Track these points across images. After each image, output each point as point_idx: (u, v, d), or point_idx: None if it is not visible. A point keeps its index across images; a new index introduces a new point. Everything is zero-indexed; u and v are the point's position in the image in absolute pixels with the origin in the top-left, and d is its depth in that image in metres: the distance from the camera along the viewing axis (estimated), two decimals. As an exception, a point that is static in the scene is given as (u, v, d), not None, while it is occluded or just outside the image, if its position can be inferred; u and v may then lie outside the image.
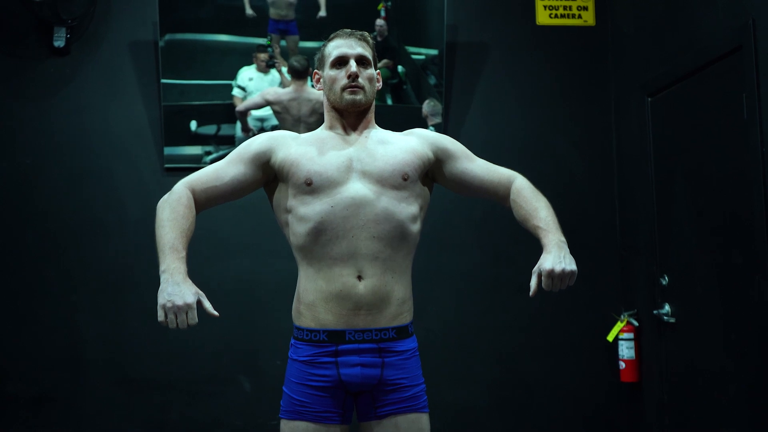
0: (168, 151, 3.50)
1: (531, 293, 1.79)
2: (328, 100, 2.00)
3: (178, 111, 3.51)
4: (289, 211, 1.92)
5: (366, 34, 2.00)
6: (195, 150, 3.54)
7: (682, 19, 3.11)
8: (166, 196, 1.88)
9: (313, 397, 1.86)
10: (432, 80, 3.64)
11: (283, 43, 3.56)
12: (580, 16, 3.80)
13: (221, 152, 3.47)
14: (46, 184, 3.48)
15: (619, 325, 3.50)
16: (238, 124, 3.55)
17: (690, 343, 3.12)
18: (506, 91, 3.75)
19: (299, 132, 2.04)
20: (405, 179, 1.91)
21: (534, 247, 1.92)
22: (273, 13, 3.53)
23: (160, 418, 3.44)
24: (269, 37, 3.54)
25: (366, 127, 2.00)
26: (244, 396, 3.48)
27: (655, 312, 3.29)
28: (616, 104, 3.75)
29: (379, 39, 3.54)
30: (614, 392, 3.62)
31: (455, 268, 3.62)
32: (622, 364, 3.47)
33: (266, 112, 3.55)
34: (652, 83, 3.36)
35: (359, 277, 1.86)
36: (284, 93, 3.53)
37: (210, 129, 3.57)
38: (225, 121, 3.55)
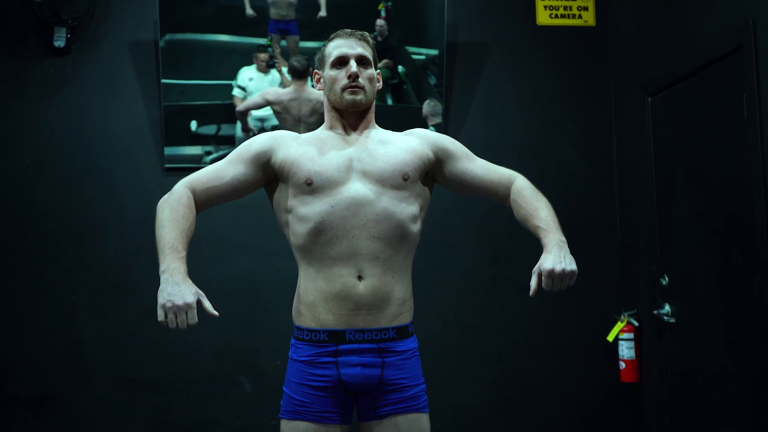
0: (168, 151, 3.49)
1: (531, 293, 1.79)
2: (329, 100, 2.00)
3: (178, 111, 3.51)
4: (289, 211, 1.92)
5: (366, 34, 2.00)
6: (195, 150, 3.54)
7: (683, 20, 3.11)
8: (166, 196, 1.88)
9: (314, 397, 1.86)
10: (432, 80, 3.64)
11: (283, 43, 3.56)
12: (580, 17, 3.80)
13: (221, 152, 3.47)
14: (46, 184, 3.48)
15: (619, 325, 3.50)
16: (239, 124, 3.55)
17: (690, 343, 3.12)
18: (506, 91, 3.75)
19: (299, 132, 2.04)
20: (405, 179, 1.91)
21: (534, 247, 1.92)
22: (273, 13, 3.53)
23: (160, 418, 3.44)
24: (269, 37, 3.54)
25: (366, 127, 2.00)
26: (244, 396, 3.48)
27: (655, 312, 3.29)
28: (617, 104, 3.75)
29: (379, 39, 3.54)
30: (614, 392, 3.62)
31: (455, 268, 3.62)
32: (623, 364, 3.47)
33: (266, 112, 3.55)
34: (652, 83, 3.36)
35: (359, 277, 1.86)
36: (284, 93, 3.53)
37: (210, 129, 3.57)
38: (225, 121, 3.55)
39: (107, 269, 3.47)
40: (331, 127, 2.01)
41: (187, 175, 1.94)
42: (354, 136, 1.98)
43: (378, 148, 1.94)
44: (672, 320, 3.20)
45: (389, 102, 3.65)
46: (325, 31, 2.12)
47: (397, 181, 1.90)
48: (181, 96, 3.51)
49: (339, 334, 1.86)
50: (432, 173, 2.02)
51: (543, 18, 3.79)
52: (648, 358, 3.43)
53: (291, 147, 1.94)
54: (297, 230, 1.90)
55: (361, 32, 1.99)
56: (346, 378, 1.86)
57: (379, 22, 3.58)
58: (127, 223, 3.48)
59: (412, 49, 3.68)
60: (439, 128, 3.55)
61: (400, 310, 1.91)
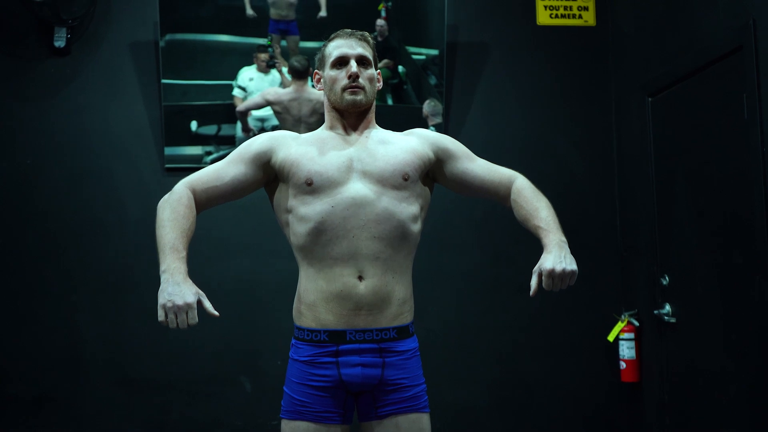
0: (168, 151, 3.49)
1: (531, 293, 1.79)
2: (329, 100, 2.00)
3: (178, 111, 3.51)
4: (289, 211, 1.92)
5: (366, 34, 2.00)
6: (195, 150, 3.54)
7: (683, 20, 3.11)
8: (166, 196, 1.88)
9: (314, 397, 1.86)
10: (432, 80, 3.64)
11: (283, 43, 3.56)
12: (580, 17, 3.80)
13: (222, 152, 3.47)
14: (46, 184, 3.48)
15: (619, 325, 3.50)
16: (239, 125, 3.55)
17: (690, 343, 3.12)
18: (507, 91, 3.75)
19: (300, 132, 2.04)
20: (405, 179, 1.91)
21: (534, 247, 1.92)
22: (273, 13, 3.53)
23: (160, 418, 3.44)
24: (270, 37, 3.54)
25: (366, 127, 2.00)
26: (244, 396, 3.48)
27: (655, 312, 3.29)
28: (617, 104, 3.74)
29: (379, 39, 3.54)
30: (614, 392, 3.62)
31: (456, 268, 3.62)
32: (623, 364, 3.47)
33: (267, 112, 3.55)
34: (652, 83, 3.36)
35: (360, 278, 1.86)
36: (285, 93, 3.53)
37: (210, 129, 3.57)
38: (225, 121, 3.55)
39: (107, 269, 3.47)
40: (331, 127, 2.01)
41: (188, 175, 1.94)
42: (354, 136, 1.98)
43: (378, 148, 1.94)
44: (672, 320, 3.20)
45: (389, 102, 3.65)
46: (325, 32, 2.12)
47: (398, 181, 1.90)
48: (181, 96, 3.51)
49: (339, 334, 1.86)
50: (432, 173, 2.02)
51: (543, 18, 3.79)
52: (648, 358, 3.43)
53: (291, 147, 1.94)
54: (297, 230, 1.90)
55: (361, 32, 1.99)
56: (347, 378, 1.85)
57: (380, 22, 3.58)
58: (128, 223, 3.48)
59: (412, 49, 3.68)
60: (439, 128, 3.55)
61: (400, 310, 1.91)
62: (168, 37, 3.47)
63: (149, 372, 3.44)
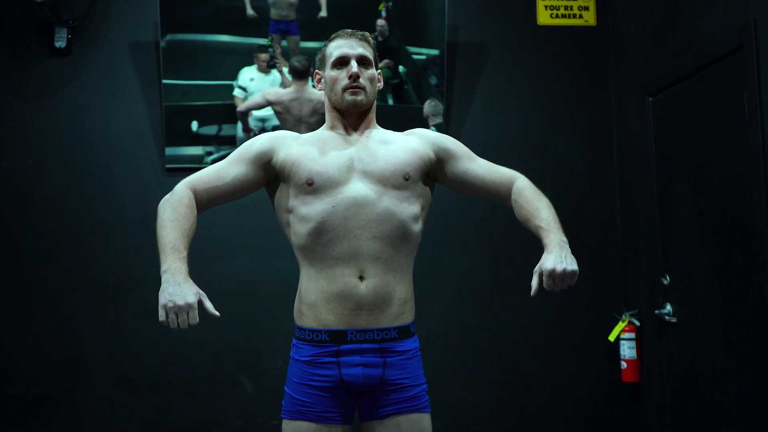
0: (169, 151, 3.49)
1: (532, 293, 1.79)
2: (329, 100, 2.00)
3: (179, 111, 3.51)
4: (290, 211, 1.92)
5: (367, 34, 2.00)
6: (196, 150, 3.54)
7: (683, 19, 3.11)
8: (167, 196, 1.88)
9: (315, 397, 1.86)
10: (433, 80, 3.64)
11: (284, 43, 3.56)
12: (581, 16, 3.80)
13: (222, 152, 3.47)
14: (46, 184, 3.48)
15: (620, 325, 3.50)
16: (239, 125, 3.55)
17: (691, 343, 3.12)
18: (507, 91, 3.75)
19: (300, 132, 2.04)
20: (406, 179, 1.91)
21: (534, 247, 1.92)
22: (274, 13, 3.53)
23: (160, 418, 3.44)
24: (270, 38, 3.54)
25: (367, 127, 2.00)
26: (244, 396, 3.48)
27: (656, 312, 3.29)
28: (617, 104, 3.75)
29: (380, 39, 3.54)
30: (614, 392, 3.62)
31: (456, 268, 3.62)
32: (624, 364, 3.47)
33: (267, 112, 3.55)
34: (653, 83, 3.36)
35: (361, 278, 1.85)
36: (285, 93, 3.53)
37: (211, 129, 3.56)
38: (226, 122, 3.55)
39: (107, 269, 3.47)
40: (332, 127, 2.01)
41: (188, 175, 1.94)
42: (355, 136, 1.98)
43: (379, 148, 1.94)
44: (673, 320, 3.20)
45: (390, 102, 3.65)
46: (325, 32, 2.12)
47: (399, 181, 1.90)
48: (182, 96, 3.51)
49: (340, 334, 1.86)
50: (433, 173, 2.02)
51: (543, 18, 3.79)
52: (649, 357, 3.43)
53: (292, 147, 1.94)
54: (298, 230, 1.90)
55: (361, 32, 1.99)
56: (348, 378, 1.85)
57: (380, 22, 3.58)
58: (128, 224, 3.48)
59: (412, 49, 3.68)
60: (440, 128, 3.55)
61: (401, 310, 1.91)
62: (168, 37, 3.47)
63: (149, 372, 3.44)
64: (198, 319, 1.69)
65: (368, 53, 1.96)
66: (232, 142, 3.52)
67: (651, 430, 3.41)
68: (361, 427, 1.93)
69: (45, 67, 3.51)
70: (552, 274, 1.77)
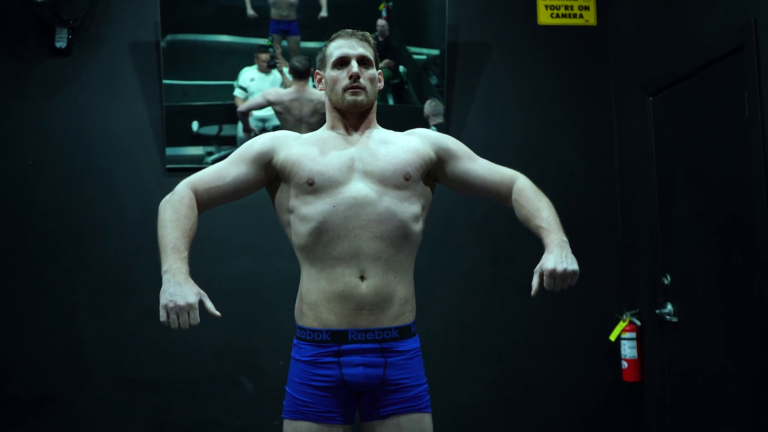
0: (170, 151, 3.49)
1: (533, 293, 1.80)
2: (330, 100, 2.00)
3: (179, 111, 3.51)
4: (291, 211, 1.92)
5: (367, 34, 2.00)
6: (197, 150, 3.54)
7: (683, 19, 3.11)
8: (168, 197, 1.88)
9: (316, 397, 1.86)
10: (433, 80, 3.64)
11: (284, 43, 3.56)
12: (581, 16, 3.80)
13: (223, 153, 3.47)
14: (46, 184, 3.48)
15: (621, 325, 3.50)
16: (240, 125, 3.55)
17: (691, 342, 3.12)
18: (507, 91, 3.75)
19: (301, 132, 2.04)
20: (407, 179, 1.91)
21: (535, 247, 1.92)
22: (274, 13, 3.53)
23: (160, 418, 3.44)
24: (270, 38, 3.54)
25: (368, 127, 2.00)
26: (244, 396, 3.48)
27: (657, 312, 3.29)
28: (617, 104, 3.75)
29: (380, 39, 3.54)
30: (614, 392, 3.62)
31: (456, 268, 3.62)
32: (625, 364, 3.47)
33: (268, 112, 3.55)
34: (653, 83, 3.36)
35: (362, 278, 1.85)
36: (286, 93, 3.53)
37: (212, 129, 3.56)
38: (226, 122, 3.55)
39: (107, 269, 3.47)
40: (332, 127, 2.01)
41: (189, 175, 1.94)
42: (355, 136, 1.98)
43: (380, 148, 1.94)
44: (674, 320, 3.20)
45: (391, 102, 3.65)
46: (326, 32, 2.12)
47: (399, 181, 1.90)
48: (182, 96, 3.51)
49: (341, 334, 1.86)
50: (434, 173, 2.02)
51: (544, 18, 3.79)
52: (650, 357, 3.43)
53: (292, 147, 1.94)
54: (299, 230, 1.90)
55: (362, 32, 1.99)
56: (349, 378, 1.86)
57: (380, 22, 3.58)
58: (128, 224, 3.48)
59: (413, 49, 3.68)
60: (440, 128, 3.55)
61: (402, 309, 1.91)
62: (169, 37, 3.47)
63: (149, 372, 3.44)
64: (199, 320, 1.69)
65: (369, 53, 1.97)
66: (233, 143, 3.52)
67: (651, 430, 3.41)
68: (362, 427, 1.93)
69: (45, 67, 3.51)
70: (552, 274, 1.77)
